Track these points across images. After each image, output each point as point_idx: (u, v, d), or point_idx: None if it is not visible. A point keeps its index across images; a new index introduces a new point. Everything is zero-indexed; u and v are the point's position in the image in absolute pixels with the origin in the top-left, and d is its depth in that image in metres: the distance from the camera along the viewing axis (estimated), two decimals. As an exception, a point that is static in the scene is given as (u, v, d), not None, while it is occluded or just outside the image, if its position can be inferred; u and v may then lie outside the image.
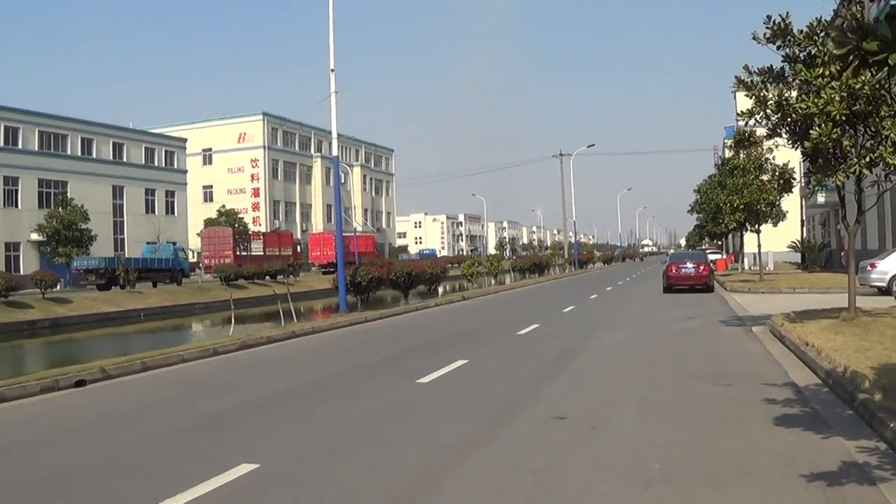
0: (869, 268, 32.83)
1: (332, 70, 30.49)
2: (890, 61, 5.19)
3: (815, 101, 16.26)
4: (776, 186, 19.89)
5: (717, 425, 9.65)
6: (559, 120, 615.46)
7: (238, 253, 76.39)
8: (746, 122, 18.36)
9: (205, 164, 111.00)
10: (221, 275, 65.23)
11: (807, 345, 15.43)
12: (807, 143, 16.98)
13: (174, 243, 74.31)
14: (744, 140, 19.93)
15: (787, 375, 13.33)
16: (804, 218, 72.12)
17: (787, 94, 17.42)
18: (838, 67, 16.26)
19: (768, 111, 17.74)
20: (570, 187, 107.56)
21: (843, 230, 59.14)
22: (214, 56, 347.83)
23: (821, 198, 58.85)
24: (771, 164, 40.90)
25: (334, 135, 30.80)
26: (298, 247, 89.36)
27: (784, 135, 18.68)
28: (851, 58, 5.34)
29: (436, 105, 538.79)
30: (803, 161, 19.42)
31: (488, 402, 11.81)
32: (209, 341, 21.27)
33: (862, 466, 7.70)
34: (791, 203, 49.80)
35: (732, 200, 41.49)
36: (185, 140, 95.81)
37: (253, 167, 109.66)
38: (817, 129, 16.32)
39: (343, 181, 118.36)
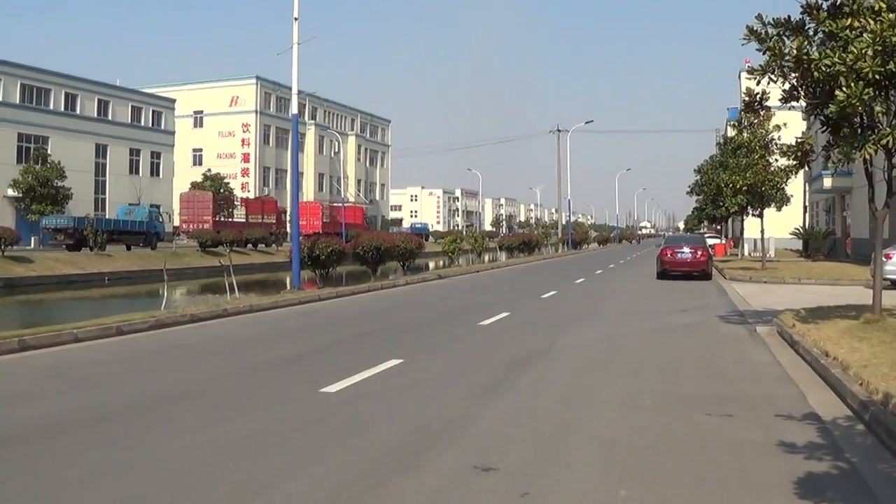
0: (883, 259, 29.68)
1: (296, 19, 27.15)
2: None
3: (843, 56, 13.13)
4: (793, 158, 16.25)
5: (712, 494, 6.47)
6: (563, 96, 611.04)
7: (218, 219, 73.71)
8: (759, 81, 15.08)
9: (195, 126, 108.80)
10: (198, 240, 63.20)
11: (826, 355, 12.23)
12: (831, 108, 13.79)
13: (157, 206, 72.51)
14: (754, 103, 16.41)
15: (805, 401, 10.11)
16: (807, 203, 69.25)
17: (807, 49, 14.21)
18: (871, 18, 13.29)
19: (785, 68, 14.53)
20: (566, 164, 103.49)
21: (849, 217, 57.05)
22: (210, 16, 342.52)
23: (827, 182, 56.00)
24: (777, 144, 38.09)
25: (294, 90, 27.49)
26: (284, 215, 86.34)
27: (803, 98, 15.47)
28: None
29: (439, 77, 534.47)
30: (822, 131, 16.08)
31: (400, 428, 8.58)
32: (117, 318, 17.94)
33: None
34: (794, 188, 46.79)
35: (735, 181, 38.52)
36: (173, 101, 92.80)
37: (244, 132, 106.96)
38: (845, 89, 13.16)
39: (337, 150, 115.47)
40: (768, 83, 15.00)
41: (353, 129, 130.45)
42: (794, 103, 15.87)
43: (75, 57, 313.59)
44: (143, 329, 17.43)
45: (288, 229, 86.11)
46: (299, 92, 27.68)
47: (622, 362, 13.36)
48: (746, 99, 15.98)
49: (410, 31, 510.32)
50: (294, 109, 28.02)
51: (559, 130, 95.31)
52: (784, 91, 15.57)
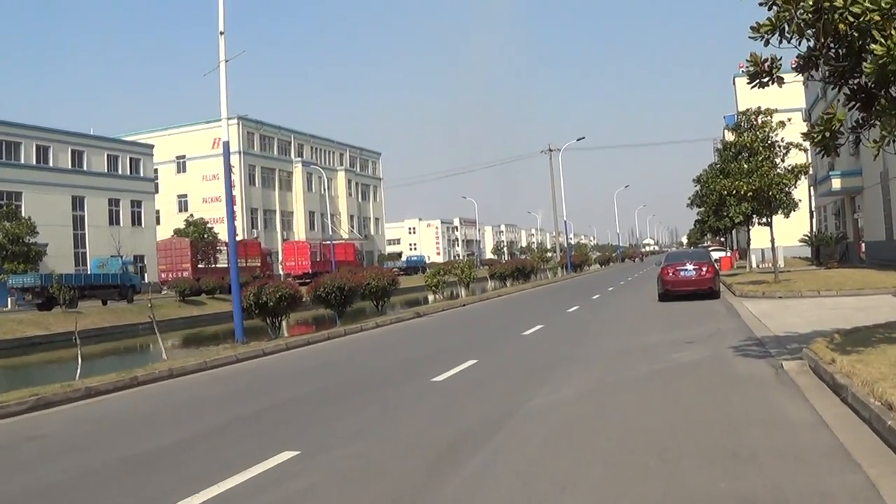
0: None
1: (222, 33, 24.13)
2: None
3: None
4: (818, 140, 12.27)
5: None
6: (556, 118, 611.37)
7: (199, 265, 70.76)
8: (767, 42, 11.48)
9: (179, 172, 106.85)
10: (176, 290, 61.13)
11: (891, 408, 8.52)
12: (866, 67, 10.27)
13: (140, 256, 71.78)
14: (762, 73, 12.53)
15: (880, 499, 6.42)
16: (813, 208, 65.92)
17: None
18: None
19: (801, 21, 10.99)
20: (560, 184, 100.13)
21: (861, 219, 53.35)
22: (187, 61, 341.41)
23: (836, 183, 52.62)
24: (781, 145, 35.31)
25: (224, 114, 24.48)
26: (269, 257, 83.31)
27: (823, 64, 11.89)
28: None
29: (431, 105, 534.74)
30: (848, 108, 12.44)
31: None
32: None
33: None
34: (799, 192, 43.37)
35: (739, 187, 35.03)
36: (151, 146, 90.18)
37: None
38: (884, 41, 9.70)
39: (326, 187, 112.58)
40: (780, 42, 11.42)
41: (342, 164, 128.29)
42: (812, 73, 12.40)
43: (50, 110, 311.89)
44: (19, 412, 14.12)
45: (281, 271, 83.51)
46: (239, 117, 24.26)
47: (605, 435, 9.47)
48: (752, 69, 12.18)
49: (401, 62, 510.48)
50: (225, 136, 25.06)
51: (550, 150, 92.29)
52: (798, 57, 12.02)
